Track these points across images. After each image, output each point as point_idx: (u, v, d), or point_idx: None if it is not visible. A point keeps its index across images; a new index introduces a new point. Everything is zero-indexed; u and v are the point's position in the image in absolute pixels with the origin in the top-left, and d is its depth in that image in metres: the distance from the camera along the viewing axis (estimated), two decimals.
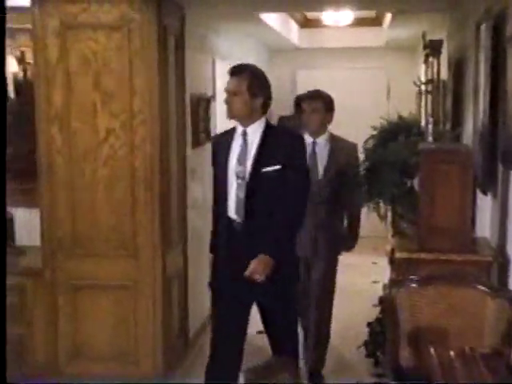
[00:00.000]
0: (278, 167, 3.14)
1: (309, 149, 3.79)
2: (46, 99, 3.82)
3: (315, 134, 4.04)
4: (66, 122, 3.83)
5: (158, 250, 3.91)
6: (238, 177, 3.21)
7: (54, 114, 3.83)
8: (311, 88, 4.20)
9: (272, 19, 6.02)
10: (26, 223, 4.33)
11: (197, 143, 4.70)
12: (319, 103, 4.02)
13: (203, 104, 4.82)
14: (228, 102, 3.22)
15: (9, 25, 4.11)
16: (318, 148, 4.05)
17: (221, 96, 5.76)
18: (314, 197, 3.77)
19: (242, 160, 3.22)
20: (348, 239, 4.24)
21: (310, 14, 7.88)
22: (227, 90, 3.23)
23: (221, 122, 5.70)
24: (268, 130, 3.25)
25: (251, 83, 3.18)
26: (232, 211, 3.23)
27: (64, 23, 3.74)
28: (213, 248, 3.50)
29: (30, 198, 4.22)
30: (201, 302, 4.79)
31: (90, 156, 3.85)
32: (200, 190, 4.84)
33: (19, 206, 4.32)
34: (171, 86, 4.06)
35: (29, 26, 3.93)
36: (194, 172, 4.66)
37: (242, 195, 3.19)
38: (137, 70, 3.75)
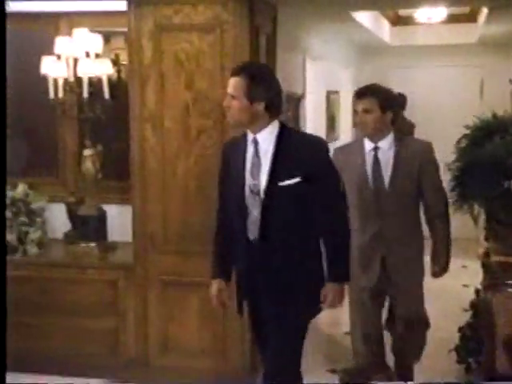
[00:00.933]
0: (297, 180, 2.79)
1: (369, 156, 3.60)
2: (140, 100, 3.92)
3: (375, 138, 3.61)
4: (158, 122, 3.91)
5: None
6: (251, 192, 2.86)
7: (147, 114, 3.93)
8: (402, 87, 4.09)
9: (363, 17, 5.96)
10: (118, 220, 4.47)
11: None
12: (371, 102, 3.54)
13: (293, 103, 4.83)
14: (227, 106, 2.87)
15: (104, 28, 4.29)
16: (380, 154, 3.61)
17: (310, 95, 5.81)
18: (381, 213, 3.59)
19: (254, 173, 2.85)
20: (436, 259, 3.72)
21: (403, 11, 7.74)
22: (227, 93, 2.88)
23: (311, 120, 5.72)
24: (282, 135, 2.85)
25: (249, 86, 2.78)
26: (249, 231, 2.90)
27: (158, 25, 3.83)
28: (224, 273, 3.10)
29: (123, 196, 4.35)
30: None
31: (182, 155, 3.93)
32: None
33: (112, 202, 4.46)
34: None
35: (123, 29, 4.06)
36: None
37: (257, 212, 2.84)
38: (229, 71, 3.77)
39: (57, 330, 4.23)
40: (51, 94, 4.18)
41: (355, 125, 3.54)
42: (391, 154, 3.59)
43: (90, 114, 4.20)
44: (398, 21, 8.03)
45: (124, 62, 4.34)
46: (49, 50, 4.16)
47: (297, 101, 4.94)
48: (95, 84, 4.13)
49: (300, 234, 2.88)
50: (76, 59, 4.10)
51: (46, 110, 4.40)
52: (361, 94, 3.58)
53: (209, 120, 3.87)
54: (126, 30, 3.98)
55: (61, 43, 4.12)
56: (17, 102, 4.64)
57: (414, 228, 3.70)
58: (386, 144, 3.59)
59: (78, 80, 4.13)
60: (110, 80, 4.18)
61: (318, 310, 3.02)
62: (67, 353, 4.22)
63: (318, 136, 3.11)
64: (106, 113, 4.21)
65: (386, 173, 3.59)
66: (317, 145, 2.89)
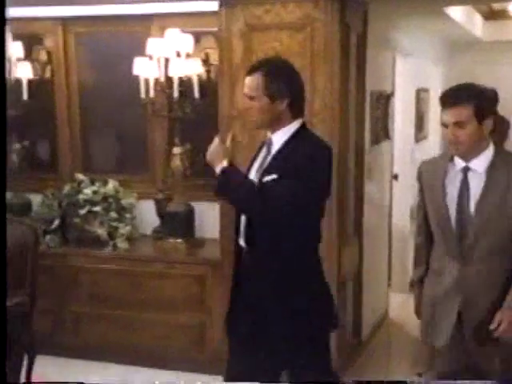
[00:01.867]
0: (274, 176, 2.52)
1: (457, 178, 2.75)
2: (229, 98, 3.95)
3: (467, 156, 2.74)
4: (247, 120, 3.94)
5: (334, 246, 3.91)
6: None
7: (236, 112, 3.95)
8: (494, 84, 3.79)
9: (455, 12, 5.80)
10: (206, 216, 4.53)
11: (375, 141, 4.65)
12: (466, 111, 2.63)
13: (382, 101, 4.76)
14: (245, 108, 2.68)
15: (195, 28, 4.35)
16: (471, 175, 2.73)
17: (400, 93, 5.71)
18: (464, 255, 2.74)
19: (258, 173, 2.67)
20: None
21: (497, 5, 7.49)
22: (244, 94, 2.68)
23: (399, 119, 5.62)
24: (294, 137, 2.60)
25: (268, 83, 2.56)
26: (241, 236, 2.73)
27: (249, 25, 3.84)
28: None
29: (210, 193, 4.39)
30: (375, 300, 4.75)
31: None
32: (377, 188, 4.80)
33: (199, 200, 4.52)
34: (352, 83, 4.04)
35: (214, 29, 4.10)
36: (372, 169, 4.62)
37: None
38: (318, 69, 3.76)
39: (145, 324, 4.33)
40: (142, 94, 4.27)
41: (444, 139, 2.79)
42: (485, 176, 2.72)
43: (180, 113, 4.27)
44: (492, 15, 7.78)
45: (214, 62, 4.39)
46: (141, 51, 4.25)
47: (386, 99, 4.87)
48: (185, 83, 4.20)
49: (291, 242, 2.58)
50: (167, 59, 4.18)
51: (137, 110, 4.50)
52: (451, 100, 2.67)
53: None
54: (216, 29, 4.02)
55: (152, 44, 4.20)
56: (109, 102, 4.79)
57: (507, 280, 2.76)
58: (482, 163, 2.72)
59: (169, 80, 4.21)
60: (199, 79, 4.24)
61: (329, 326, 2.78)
62: (155, 346, 4.31)
63: (322, 143, 2.68)
64: (195, 112, 4.26)
65: (476, 201, 2.72)
66: (311, 147, 2.57)
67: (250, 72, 2.62)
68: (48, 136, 5.07)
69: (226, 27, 3.88)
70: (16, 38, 4.63)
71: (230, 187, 2.61)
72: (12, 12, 4.62)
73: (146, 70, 4.20)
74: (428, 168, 2.93)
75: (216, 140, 2.64)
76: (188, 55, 4.18)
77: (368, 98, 4.43)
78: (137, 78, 4.26)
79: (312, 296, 2.64)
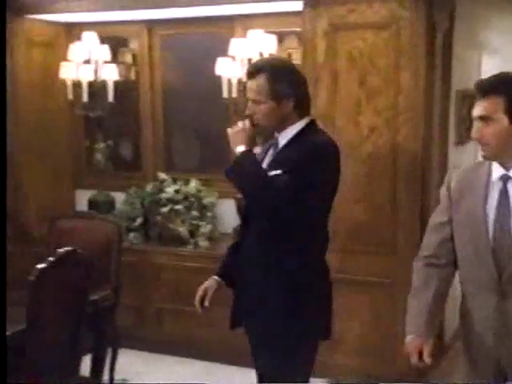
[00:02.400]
0: (277, 172, 2.44)
1: (495, 189, 2.25)
2: (312, 98, 3.93)
3: (500, 160, 2.24)
4: (330, 120, 3.92)
5: (417, 249, 3.84)
6: None
7: (318, 112, 3.93)
8: None
9: None
10: None
11: (459, 141, 4.56)
12: (494, 103, 2.16)
13: (467, 101, 4.65)
14: (251, 112, 2.54)
15: (278, 29, 4.37)
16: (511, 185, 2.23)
17: None
18: (503, 286, 2.20)
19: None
20: None
21: None
22: (248, 98, 2.57)
23: None
24: (299, 135, 2.52)
25: (272, 85, 2.46)
26: (243, 232, 2.70)
27: (333, 24, 3.84)
28: (222, 272, 2.84)
29: None
30: (457, 303, 4.64)
31: (352, 153, 3.91)
32: None
33: None
34: (437, 82, 3.98)
35: (296, 29, 4.11)
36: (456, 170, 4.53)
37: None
38: (403, 68, 3.73)
39: (226, 321, 4.35)
40: (225, 94, 4.32)
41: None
42: None
43: None
44: None
45: (296, 62, 4.40)
46: (224, 52, 4.31)
47: (471, 98, 4.76)
48: None
49: (290, 238, 2.50)
50: (250, 60, 4.22)
51: (219, 110, 4.55)
52: (480, 91, 2.20)
53: (380, 118, 3.83)
54: (299, 30, 4.03)
55: (235, 44, 4.25)
56: (192, 103, 4.87)
57: None
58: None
59: None
60: None
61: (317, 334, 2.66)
62: (235, 343, 4.33)
63: (325, 141, 2.55)
64: None
65: None
66: (312, 146, 2.46)
67: (252, 75, 2.51)
68: (132, 136, 5.21)
69: (310, 27, 3.90)
70: (103, 41, 4.78)
71: (244, 171, 2.47)
72: (100, 16, 4.79)
73: (228, 70, 4.26)
74: (461, 177, 2.40)
75: (239, 124, 2.57)
76: (271, 55, 4.20)
77: (453, 98, 4.35)
78: (219, 78, 4.31)
79: (311, 298, 2.57)
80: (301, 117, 2.54)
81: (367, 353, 4.00)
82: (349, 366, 4.00)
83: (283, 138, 2.54)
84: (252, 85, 2.49)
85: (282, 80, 2.48)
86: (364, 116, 3.86)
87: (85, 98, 4.76)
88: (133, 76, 5.10)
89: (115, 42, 4.99)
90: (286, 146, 2.53)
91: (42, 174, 5.09)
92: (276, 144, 2.57)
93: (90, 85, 4.75)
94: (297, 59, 4.35)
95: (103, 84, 4.78)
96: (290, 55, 4.46)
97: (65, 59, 4.78)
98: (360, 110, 3.87)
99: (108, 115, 4.92)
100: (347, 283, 3.99)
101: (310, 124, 2.56)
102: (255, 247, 2.57)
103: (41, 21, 4.97)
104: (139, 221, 4.76)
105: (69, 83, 4.74)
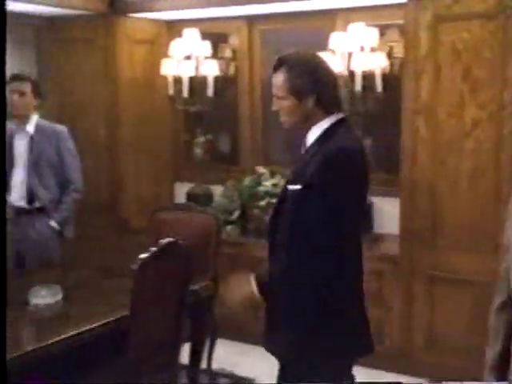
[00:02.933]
0: (298, 187, 2.31)
1: None
2: (414, 92, 3.89)
3: None
4: (432, 114, 3.85)
5: None
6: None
7: (420, 106, 3.89)
8: None
9: None
10: (384, 211, 4.48)
11: None
12: None
13: None
14: (276, 108, 2.43)
15: (380, 22, 4.32)
16: None
17: None
18: None
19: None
20: None
21: None
22: (273, 94, 2.46)
23: None
24: (322, 136, 2.36)
25: (292, 80, 2.34)
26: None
27: (436, 16, 3.76)
28: None
29: (390, 188, 4.36)
30: None
31: (454, 148, 3.82)
32: None
33: (379, 194, 4.48)
34: None
35: (398, 21, 4.04)
36: None
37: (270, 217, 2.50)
38: (510, 60, 3.61)
39: None
40: None
41: None
42: None
43: (362, 107, 4.25)
44: None
45: (397, 55, 4.34)
46: (323, 46, 4.29)
47: None
48: (368, 78, 4.18)
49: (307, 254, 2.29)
50: (350, 54, 4.19)
51: None
52: None
53: (485, 111, 3.72)
54: (401, 22, 3.97)
55: (336, 38, 4.23)
56: None
57: None
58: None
59: (351, 74, 4.21)
60: (383, 73, 4.20)
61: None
62: None
63: (347, 142, 2.33)
64: (377, 106, 4.24)
65: None
66: (329, 152, 2.27)
67: (275, 70, 2.41)
68: (230, 130, 5.28)
69: (413, 19, 3.83)
70: (204, 37, 4.87)
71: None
72: (201, 13, 4.88)
73: (329, 64, 4.23)
74: None
75: (252, 285, 2.36)
76: (372, 49, 4.16)
77: None
78: None
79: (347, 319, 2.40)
80: (327, 114, 2.38)
81: (468, 352, 3.89)
82: (450, 366, 3.91)
83: (310, 138, 2.40)
84: (274, 79, 2.41)
85: (302, 75, 2.35)
86: (467, 110, 3.76)
87: (185, 93, 4.86)
88: (232, 71, 5.16)
89: (215, 37, 5.07)
90: (310, 147, 2.38)
91: (142, 168, 5.25)
92: (304, 145, 2.43)
93: (191, 80, 4.85)
94: (398, 52, 4.30)
95: (203, 79, 4.87)
96: (391, 48, 4.39)
97: (166, 56, 4.90)
98: (463, 104, 3.77)
99: (207, 110, 5.01)
100: (448, 280, 3.92)
101: (338, 122, 2.38)
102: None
103: (143, 19, 5.12)
104: (236, 214, 4.83)
105: (170, 79, 4.86)
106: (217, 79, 4.94)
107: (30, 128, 4.03)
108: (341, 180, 2.26)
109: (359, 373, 2.72)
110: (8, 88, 3.97)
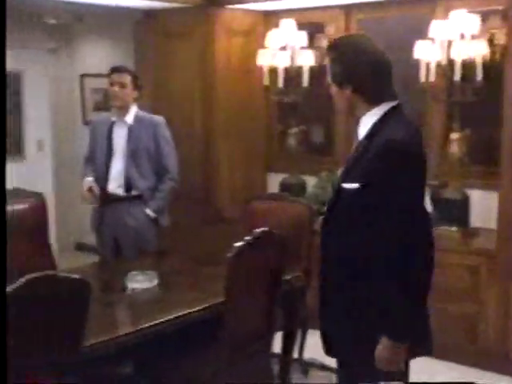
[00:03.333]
0: (356, 186, 2.21)
1: None
2: None
3: None
4: None
5: None
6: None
7: None
8: None
9: None
10: (481, 205, 4.35)
11: None
12: None
13: None
14: (331, 94, 2.36)
15: (482, 8, 4.18)
16: None
17: None
18: None
19: None
20: None
21: None
22: None
23: None
24: (372, 129, 2.26)
25: (333, 68, 2.29)
26: None
27: None
28: None
29: (488, 181, 4.24)
30: None
31: None
32: None
33: (476, 187, 4.36)
34: None
35: (500, 7, 3.90)
36: None
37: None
38: None
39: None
40: (422, 78, 4.22)
41: None
42: None
43: (460, 97, 4.14)
44: None
45: (499, 42, 4.18)
46: (423, 35, 4.19)
47: None
48: (467, 66, 4.06)
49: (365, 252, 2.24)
50: (450, 42, 4.07)
51: (416, 94, 4.43)
52: None
53: None
54: (503, 8, 3.83)
55: (436, 26, 4.13)
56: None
57: None
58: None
59: (450, 63, 4.10)
60: (484, 61, 4.06)
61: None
62: None
63: (394, 134, 2.19)
64: (476, 96, 4.11)
65: None
66: (386, 143, 2.17)
67: (326, 55, 2.35)
68: (324, 121, 5.25)
69: None
70: (300, 27, 4.86)
71: None
72: (298, 3, 4.87)
73: (427, 53, 4.15)
74: None
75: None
76: (473, 36, 4.03)
77: None
78: (417, 61, 4.21)
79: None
80: (371, 105, 2.27)
81: None
82: None
83: (361, 131, 2.31)
84: (327, 65, 2.35)
85: (339, 62, 2.28)
86: None
87: (280, 83, 4.87)
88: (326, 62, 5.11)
89: (312, 27, 5.05)
90: (361, 142, 2.29)
91: (236, 157, 5.29)
92: (357, 136, 2.34)
93: (286, 71, 4.86)
94: (500, 39, 4.14)
95: (299, 70, 4.87)
96: (492, 35, 4.23)
97: (262, 46, 4.92)
98: None
99: (302, 100, 5.00)
100: None
101: (389, 112, 2.26)
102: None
103: (240, 10, 5.16)
104: None
105: (265, 69, 4.88)
106: (312, 69, 4.92)
107: (129, 119, 4.14)
108: (396, 174, 2.16)
109: (455, 370, 2.67)
110: (109, 80, 4.11)
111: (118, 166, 4.12)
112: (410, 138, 2.22)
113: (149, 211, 4.13)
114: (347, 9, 4.88)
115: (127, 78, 4.09)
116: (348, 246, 2.27)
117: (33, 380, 2.35)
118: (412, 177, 2.19)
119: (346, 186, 2.25)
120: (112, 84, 4.08)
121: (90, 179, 4.12)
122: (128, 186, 4.11)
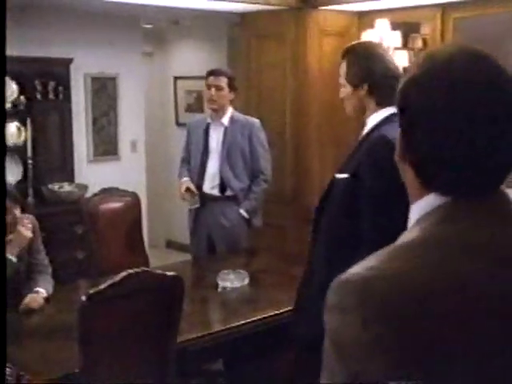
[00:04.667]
0: (345, 176, 2.31)
1: None
2: None
3: None
4: None
5: None
6: None
7: None
8: None
9: None
10: None
11: None
12: None
13: None
14: (342, 96, 2.47)
15: None
16: None
17: None
18: None
19: None
20: None
21: None
22: None
23: None
24: (374, 128, 2.34)
25: (349, 68, 2.40)
26: None
27: None
28: None
29: None
30: None
31: None
32: None
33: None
34: None
35: None
36: None
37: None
38: None
39: None
40: None
41: None
42: None
43: None
44: None
45: None
46: None
47: None
48: None
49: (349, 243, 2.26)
50: None
51: None
52: None
53: None
54: None
55: None
56: None
57: None
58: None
59: None
60: None
61: None
62: None
63: (388, 131, 2.21)
64: None
65: None
66: (374, 140, 2.27)
67: (341, 58, 2.46)
68: None
69: None
70: (394, 27, 4.79)
71: None
72: (393, 3, 4.80)
73: None
74: None
75: None
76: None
77: None
78: None
79: None
80: (379, 105, 2.35)
81: None
82: None
83: (366, 129, 2.40)
84: (339, 69, 2.47)
85: (357, 63, 2.39)
86: None
87: None
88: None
89: (407, 27, 4.96)
90: (363, 138, 2.39)
91: (327, 159, 5.26)
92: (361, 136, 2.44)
93: None
94: None
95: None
96: None
97: None
98: None
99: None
100: None
101: (393, 115, 2.24)
102: None
103: (334, 11, 5.13)
104: None
105: None
106: (406, 70, 4.82)
107: (225, 120, 4.18)
108: (383, 169, 2.11)
109: None
110: (205, 83, 4.17)
111: (213, 167, 4.18)
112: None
113: (243, 212, 4.16)
114: (444, 7, 4.76)
115: (223, 81, 4.14)
116: (337, 235, 2.36)
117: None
118: (395, 175, 2.18)
119: (339, 176, 2.36)
120: (208, 87, 4.14)
121: (186, 179, 4.20)
122: (223, 187, 4.16)
